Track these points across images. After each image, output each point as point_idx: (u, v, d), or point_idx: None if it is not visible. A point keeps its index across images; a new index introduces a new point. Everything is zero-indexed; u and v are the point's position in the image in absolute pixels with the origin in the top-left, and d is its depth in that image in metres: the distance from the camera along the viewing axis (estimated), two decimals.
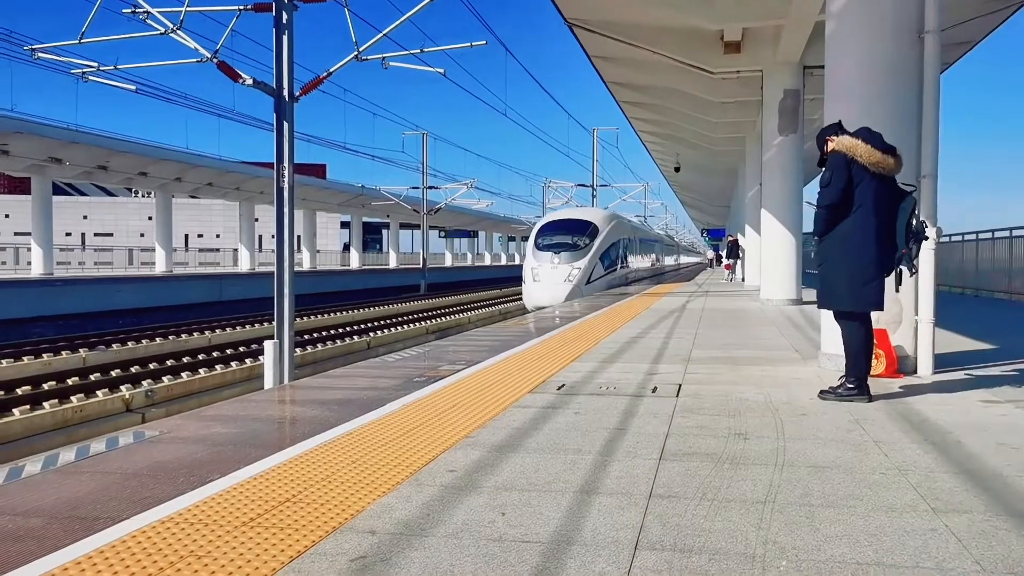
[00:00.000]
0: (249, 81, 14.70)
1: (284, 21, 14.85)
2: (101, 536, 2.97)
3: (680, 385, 6.45)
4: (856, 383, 5.69)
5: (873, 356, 6.07)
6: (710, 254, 74.48)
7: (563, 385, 6.41)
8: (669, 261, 61.70)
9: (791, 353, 8.71)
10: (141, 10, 14.30)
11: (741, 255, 31.16)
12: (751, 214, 24.82)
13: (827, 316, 6.66)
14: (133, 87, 16.46)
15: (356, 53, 16.47)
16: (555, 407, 5.51)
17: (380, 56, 17.18)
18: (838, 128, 5.82)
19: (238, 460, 4.08)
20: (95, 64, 15.61)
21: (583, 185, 54.92)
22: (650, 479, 3.71)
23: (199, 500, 3.42)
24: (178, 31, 14.23)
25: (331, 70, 16.30)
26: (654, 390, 6.22)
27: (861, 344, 5.72)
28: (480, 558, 2.76)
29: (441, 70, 18.21)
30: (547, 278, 25.84)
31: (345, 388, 6.43)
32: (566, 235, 27.57)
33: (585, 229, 27.84)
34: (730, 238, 37.45)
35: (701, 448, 4.32)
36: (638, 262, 37.09)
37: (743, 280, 28.80)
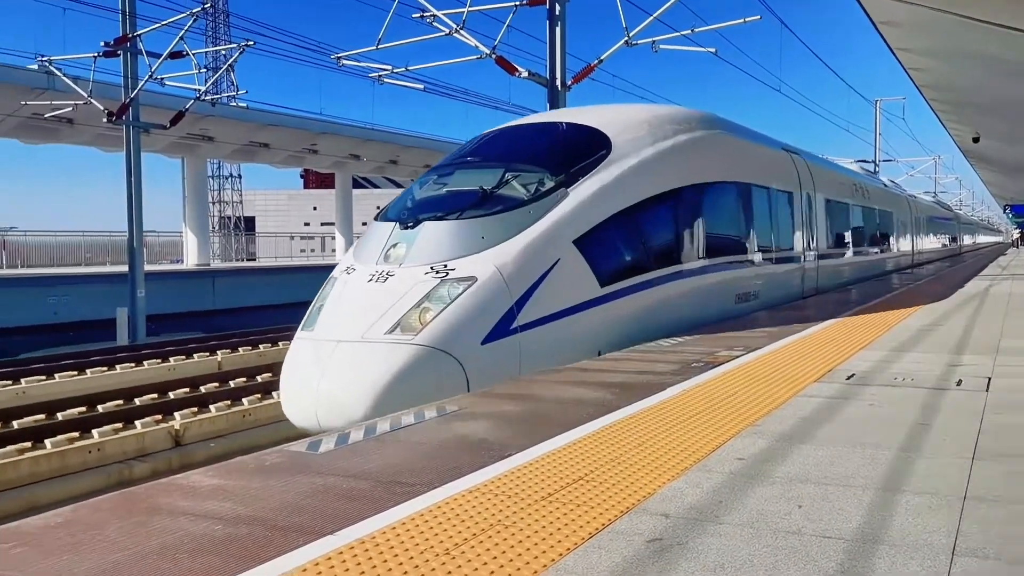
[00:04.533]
0: (524, 73, 15.31)
1: (557, 13, 15.30)
2: (419, 501, 3.29)
3: (989, 379, 5.86)
4: None
5: None
6: (1015, 233, 66.25)
7: (852, 375, 6.07)
8: (938, 242, 34.73)
9: None
10: (428, 14, 15.37)
11: None
12: None
13: None
14: (421, 86, 17.76)
15: (626, 39, 16.55)
16: (845, 398, 5.24)
17: (650, 40, 17.12)
18: None
19: (530, 438, 4.31)
20: (389, 67, 17.03)
21: (863, 160, 51.22)
22: (963, 480, 3.43)
23: (500, 473, 3.66)
24: (461, 31, 15.12)
25: (602, 57, 16.52)
26: (958, 383, 5.71)
27: None
28: (779, 550, 2.71)
29: (713, 49, 17.77)
30: (338, 331, 7.04)
31: (624, 372, 6.53)
32: (492, 167, 8.70)
33: (551, 154, 9.03)
34: None
35: None
36: (835, 250, 16.44)
37: None
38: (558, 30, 15.37)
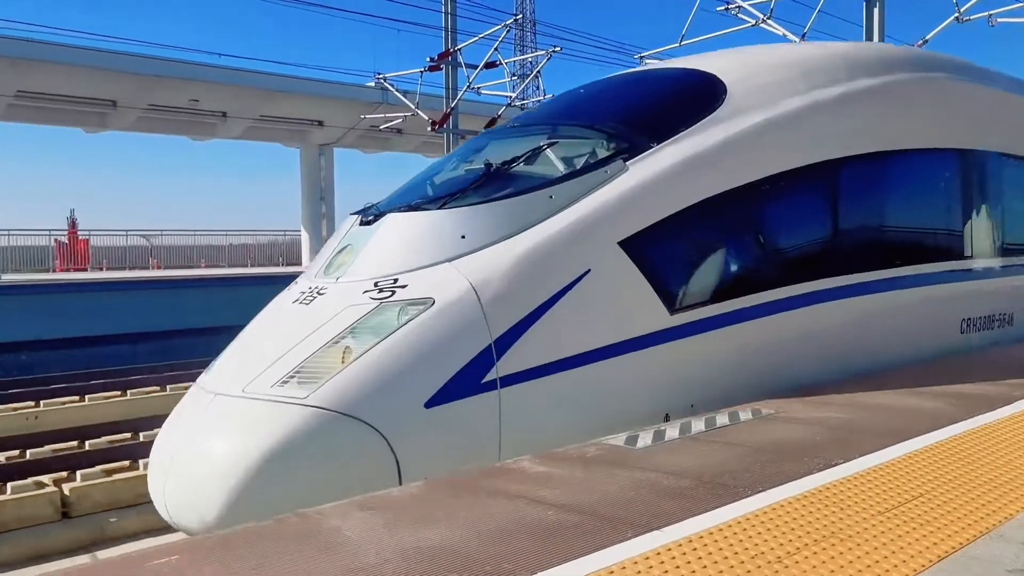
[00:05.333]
0: None
1: None
2: (746, 503, 3.22)
3: None
4: None
5: None
6: None
7: None
8: None
9: None
10: (733, 5, 15.01)
11: None
12: None
13: None
14: None
15: (956, 14, 15.06)
16: None
17: (986, 14, 15.42)
18: None
19: (856, 446, 4.05)
20: None
21: None
22: None
23: (829, 482, 3.48)
24: (768, 20, 14.60)
25: (927, 37, 15.17)
26: None
27: None
28: None
29: None
30: (226, 379, 4.75)
31: (960, 381, 5.92)
32: (534, 133, 6.10)
33: (616, 113, 6.32)
34: None
35: None
36: None
37: None
38: (876, 10, 14.27)
